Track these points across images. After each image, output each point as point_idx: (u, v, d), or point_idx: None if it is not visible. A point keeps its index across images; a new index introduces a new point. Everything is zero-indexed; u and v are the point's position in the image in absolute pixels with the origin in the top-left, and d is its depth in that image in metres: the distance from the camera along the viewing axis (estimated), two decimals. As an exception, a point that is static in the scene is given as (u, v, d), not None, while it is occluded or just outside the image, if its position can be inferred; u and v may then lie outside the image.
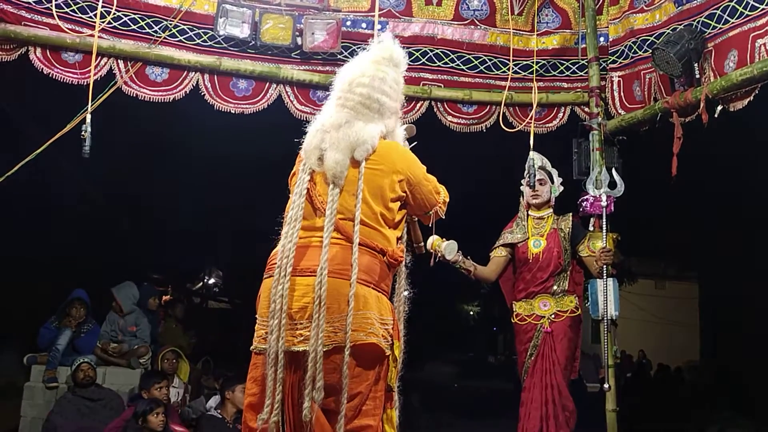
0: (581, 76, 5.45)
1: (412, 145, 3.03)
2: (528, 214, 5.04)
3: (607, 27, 5.42)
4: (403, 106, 3.02)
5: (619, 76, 5.32)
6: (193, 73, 5.05)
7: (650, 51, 4.69)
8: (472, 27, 5.40)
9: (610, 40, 5.41)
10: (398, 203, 2.78)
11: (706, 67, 4.41)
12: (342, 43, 5.11)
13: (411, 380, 2.95)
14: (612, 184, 4.95)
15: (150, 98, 5.01)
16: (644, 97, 5.03)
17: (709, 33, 4.39)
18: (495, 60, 5.43)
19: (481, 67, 5.41)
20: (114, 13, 4.86)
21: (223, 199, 8.79)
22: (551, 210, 5.04)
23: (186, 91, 5.05)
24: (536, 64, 5.38)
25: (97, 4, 4.81)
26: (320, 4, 5.15)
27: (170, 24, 4.96)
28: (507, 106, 5.39)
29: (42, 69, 4.80)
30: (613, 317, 4.83)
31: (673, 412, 9.33)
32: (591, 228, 5.04)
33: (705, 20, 4.44)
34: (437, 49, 5.36)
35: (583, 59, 5.41)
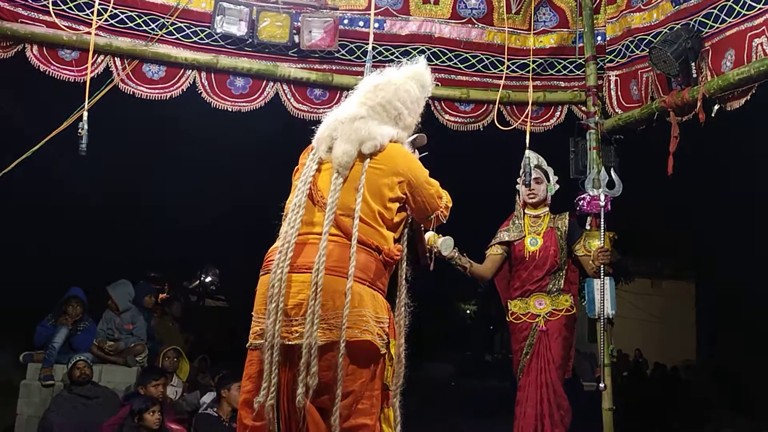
0: (578, 75, 5.45)
1: (423, 154, 3.03)
2: (524, 213, 5.04)
3: (605, 26, 5.42)
4: (417, 130, 3.04)
5: (616, 75, 5.33)
6: (190, 71, 5.05)
7: (647, 50, 4.70)
8: (470, 26, 5.40)
9: (608, 39, 5.41)
10: (397, 204, 2.79)
11: (703, 66, 4.42)
12: (339, 41, 5.11)
13: (408, 379, 2.95)
14: (610, 184, 4.96)
15: (147, 96, 5.00)
16: (641, 96, 5.03)
17: (706, 32, 4.40)
18: (492, 59, 5.43)
19: (479, 66, 5.42)
20: (111, 11, 4.85)
21: (220, 197, 8.79)
22: (548, 209, 5.05)
23: (183, 89, 5.04)
24: (533, 63, 5.39)
25: (94, 2, 4.80)
26: (317, 2, 5.15)
27: (167, 21, 4.95)
28: (504, 105, 5.39)
29: (39, 66, 4.79)
30: (609, 316, 4.85)
31: (670, 412, 9.34)
32: (588, 227, 5.04)
33: (702, 19, 4.44)
34: (434, 47, 5.35)
35: (580, 58, 5.42)
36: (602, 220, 4.86)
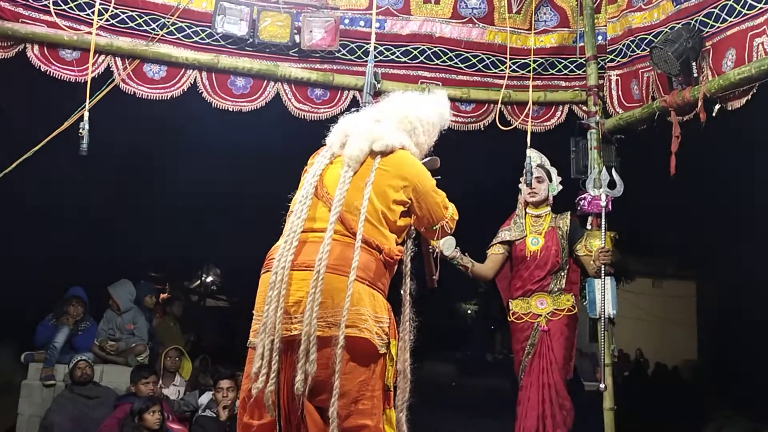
0: (579, 74, 5.45)
1: (435, 177, 3.05)
2: (526, 212, 5.05)
3: (605, 25, 5.42)
4: (429, 154, 3.08)
5: (617, 75, 5.32)
6: (191, 70, 5.04)
7: (648, 50, 4.69)
8: (470, 25, 5.39)
9: (608, 38, 5.41)
10: (401, 208, 2.80)
11: (704, 66, 4.41)
12: (340, 41, 5.11)
13: (411, 368, 2.95)
14: (611, 184, 4.96)
15: (148, 96, 5.00)
16: (642, 95, 5.03)
17: (707, 32, 4.39)
18: (493, 58, 5.42)
19: (479, 66, 5.41)
20: (112, 11, 4.85)
21: (221, 197, 8.78)
22: (549, 208, 5.05)
23: (184, 89, 5.04)
24: (534, 63, 5.38)
25: (95, 2, 4.80)
26: (318, 2, 5.14)
27: (168, 21, 4.95)
28: (505, 105, 5.38)
29: (39, 66, 4.79)
30: (610, 316, 4.85)
31: (671, 411, 9.33)
32: (589, 227, 5.04)
33: (703, 19, 4.43)
34: (435, 47, 5.35)
35: (581, 58, 5.41)
36: (603, 219, 4.86)
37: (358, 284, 2.59)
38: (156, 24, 4.95)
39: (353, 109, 3.08)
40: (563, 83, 5.49)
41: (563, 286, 4.88)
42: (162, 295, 10.03)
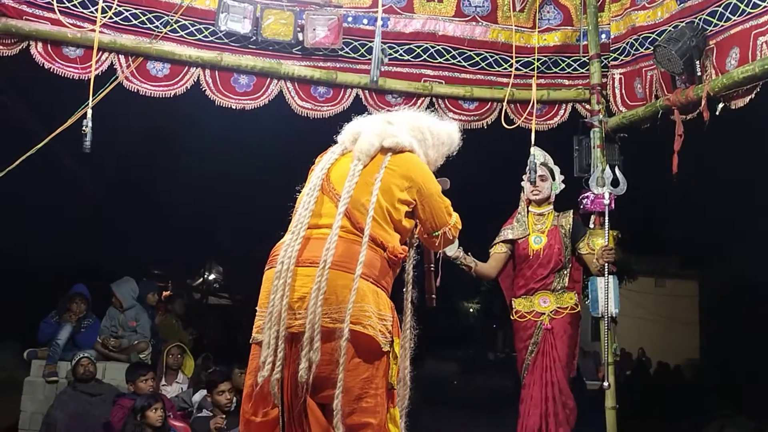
0: (582, 73, 5.44)
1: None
2: (528, 211, 5.04)
3: (609, 24, 5.41)
4: (436, 175, 3.08)
5: (620, 74, 5.32)
6: (194, 68, 5.04)
7: (652, 48, 4.68)
8: (474, 23, 5.39)
9: (612, 37, 5.40)
10: (405, 207, 2.80)
11: (708, 64, 4.40)
12: (343, 39, 5.11)
13: (411, 377, 2.96)
14: (614, 182, 4.95)
15: (151, 93, 4.99)
16: (645, 94, 5.02)
17: (711, 30, 4.38)
18: (496, 57, 5.42)
19: (483, 64, 5.41)
20: (115, 8, 4.85)
21: (224, 195, 8.80)
22: (551, 207, 5.04)
23: (187, 87, 5.03)
24: (537, 61, 5.37)
25: (98, -1, 4.81)
26: (322, 0, 5.14)
27: (171, 19, 4.95)
28: (508, 103, 5.37)
29: (43, 64, 4.79)
30: (613, 315, 4.84)
31: (673, 411, 9.33)
32: (591, 225, 5.04)
33: (707, 17, 4.43)
34: (438, 45, 5.34)
35: (584, 56, 5.40)
36: (606, 218, 4.85)
37: (363, 281, 2.58)
38: (159, 22, 4.95)
39: (360, 115, 3.09)
40: (566, 81, 5.49)
41: (566, 285, 4.87)
42: (164, 293, 10.05)
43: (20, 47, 4.76)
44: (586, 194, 5.04)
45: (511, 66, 5.35)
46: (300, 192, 2.83)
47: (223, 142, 6.87)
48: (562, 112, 5.49)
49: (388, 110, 3.25)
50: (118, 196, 9.16)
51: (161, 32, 4.94)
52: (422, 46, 5.32)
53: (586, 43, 5.35)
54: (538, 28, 5.42)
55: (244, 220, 9.54)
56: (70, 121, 4.75)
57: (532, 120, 5.28)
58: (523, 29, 5.44)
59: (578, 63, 5.47)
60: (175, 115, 5.88)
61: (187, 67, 5.03)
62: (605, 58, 5.36)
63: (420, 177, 2.83)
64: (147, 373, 5.76)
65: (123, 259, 9.85)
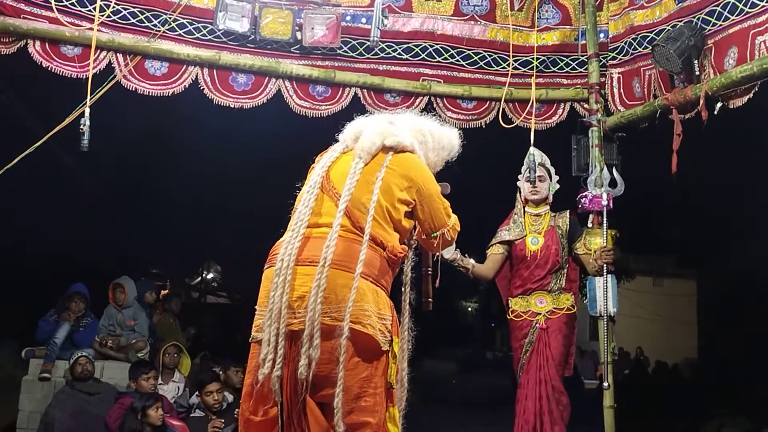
0: (581, 72, 5.44)
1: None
2: (525, 211, 5.03)
3: (607, 23, 5.41)
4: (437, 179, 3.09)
5: (618, 73, 5.31)
6: (193, 67, 5.03)
7: (650, 48, 4.68)
8: (472, 23, 5.39)
9: (610, 36, 5.40)
10: (405, 207, 2.80)
11: (706, 64, 4.41)
12: (342, 38, 5.10)
13: (409, 377, 2.96)
14: (612, 182, 4.95)
15: (149, 92, 4.98)
16: (644, 93, 5.02)
17: (709, 30, 4.39)
18: (495, 56, 5.42)
19: (481, 63, 5.41)
20: (113, 7, 4.84)
21: (222, 194, 8.79)
22: (548, 207, 5.04)
23: (185, 86, 5.03)
24: (536, 60, 5.37)
25: (97, -2, 4.80)
26: (320, -1, 5.14)
27: (169, 18, 4.94)
28: (506, 102, 5.38)
29: (41, 62, 4.78)
30: (611, 314, 4.84)
31: (671, 410, 9.33)
32: (590, 224, 5.03)
33: (705, 17, 4.43)
34: (437, 44, 5.34)
35: (582, 56, 5.41)
36: (604, 219, 4.86)
37: (362, 280, 2.58)
38: (158, 20, 4.95)
39: (358, 114, 3.09)
40: (565, 81, 5.49)
41: (563, 285, 4.87)
42: (162, 292, 10.03)
43: (18, 45, 4.75)
44: (584, 194, 5.04)
45: (509, 65, 5.36)
46: (299, 190, 2.83)
47: (222, 141, 6.86)
48: (560, 111, 5.49)
49: (387, 109, 3.24)
50: (116, 194, 9.14)
51: (159, 31, 4.93)
52: (421, 45, 5.32)
53: (584, 42, 5.35)
54: (537, 27, 5.42)
55: (242, 219, 9.53)
56: (68, 120, 4.74)
57: (530, 119, 5.28)
58: (521, 28, 5.44)
59: (577, 62, 5.47)
60: (174, 114, 5.87)
61: (185, 66, 5.03)
62: (604, 58, 5.36)
63: (420, 177, 2.83)
64: (149, 371, 5.76)
65: (121, 257, 9.84)
